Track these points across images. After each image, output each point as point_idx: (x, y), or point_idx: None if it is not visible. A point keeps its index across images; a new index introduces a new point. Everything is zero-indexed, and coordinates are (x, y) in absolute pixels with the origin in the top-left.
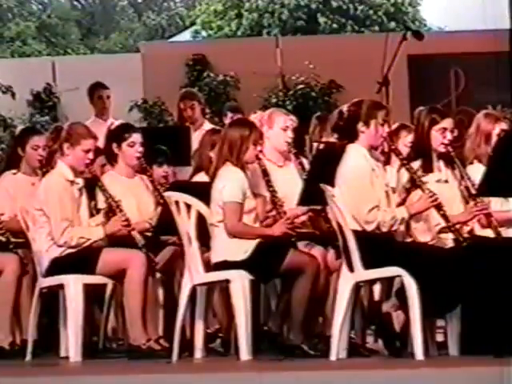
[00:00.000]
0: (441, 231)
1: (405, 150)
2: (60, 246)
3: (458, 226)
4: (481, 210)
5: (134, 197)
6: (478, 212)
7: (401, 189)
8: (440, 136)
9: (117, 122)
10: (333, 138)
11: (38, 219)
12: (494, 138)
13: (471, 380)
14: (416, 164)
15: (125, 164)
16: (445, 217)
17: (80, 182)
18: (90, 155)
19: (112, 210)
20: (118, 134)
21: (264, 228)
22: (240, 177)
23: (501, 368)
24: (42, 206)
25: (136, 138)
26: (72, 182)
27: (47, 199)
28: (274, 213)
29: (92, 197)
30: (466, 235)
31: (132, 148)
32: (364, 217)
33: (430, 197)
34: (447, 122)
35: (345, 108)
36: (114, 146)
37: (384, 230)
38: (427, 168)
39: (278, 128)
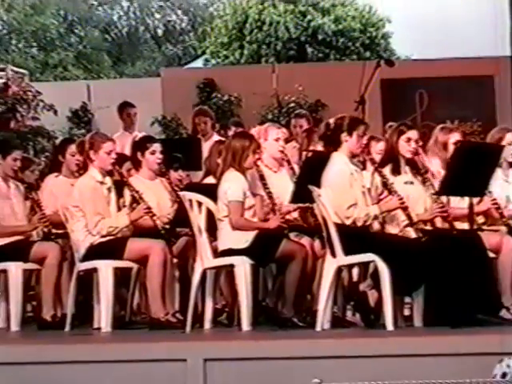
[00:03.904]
0: (406, 226)
1: (376, 157)
2: (94, 236)
3: (421, 223)
4: (440, 211)
5: (155, 196)
6: (438, 213)
7: (374, 190)
8: (406, 144)
9: (140, 135)
10: (319, 147)
11: (75, 214)
12: (450, 146)
13: (431, 347)
14: (387, 168)
15: (147, 169)
16: (409, 216)
17: (108, 182)
18: (113, 155)
19: (136, 201)
20: (141, 144)
21: (262, 222)
22: (241, 180)
23: (457, 337)
24: (77, 204)
25: (156, 147)
26: (101, 183)
27: (82, 198)
28: (268, 209)
29: (120, 195)
30: (429, 227)
31: (153, 155)
32: (344, 213)
33: (399, 199)
34: (412, 133)
35: (331, 121)
36: (139, 154)
37: (359, 224)
38: (396, 171)
39: (271, 139)
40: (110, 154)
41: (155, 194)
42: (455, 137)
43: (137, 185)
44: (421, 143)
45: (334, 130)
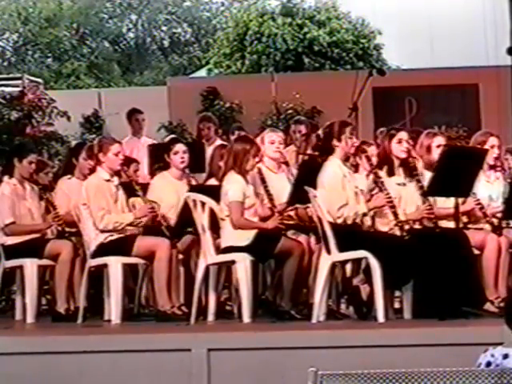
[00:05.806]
0: (396, 224)
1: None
2: (102, 231)
3: (411, 222)
4: (428, 212)
5: (177, 195)
6: (425, 214)
7: (368, 191)
8: (398, 145)
9: (148, 140)
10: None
11: (84, 213)
12: (434, 149)
13: (420, 337)
14: (383, 170)
15: (175, 169)
16: (395, 214)
17: (116, 180)
18: (121, 156)
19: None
20: (166, 146)
21: (261, 222)
22: (241, 181)
23: (445, 329)
24: (84, 201)
25: (179, 147)
26: (108, 181)
27: (88, 195)
28: (267, 209)
29: (134, 194)
30: (418, 226)
31: (176, 155)
32: (335, 213)
33: (387, 197)
34: (402, 134)
35: (320, 131)
36: (166, 156)
37: (349, 222)
38: (390, 172)
39: (267, 142)
40: (117, 155)
41: (178, 193)
42: (438, 140)
43: (163, 183)
44: (412, 143)
45: (325, 139)
